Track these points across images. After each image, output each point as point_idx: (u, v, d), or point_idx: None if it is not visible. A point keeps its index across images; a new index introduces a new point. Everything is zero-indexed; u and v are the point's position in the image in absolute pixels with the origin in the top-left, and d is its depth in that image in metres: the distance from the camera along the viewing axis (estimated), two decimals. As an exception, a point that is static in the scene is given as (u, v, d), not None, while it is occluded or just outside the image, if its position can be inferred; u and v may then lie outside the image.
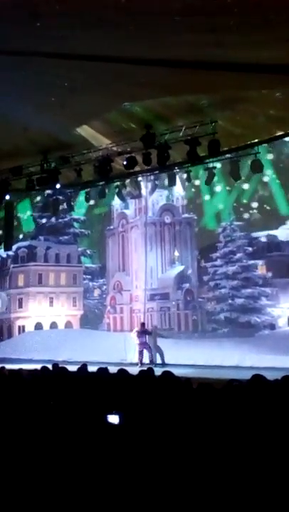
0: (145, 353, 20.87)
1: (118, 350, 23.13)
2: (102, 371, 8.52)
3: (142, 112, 12.84)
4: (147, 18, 7.89)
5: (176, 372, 7.41)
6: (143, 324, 23.49)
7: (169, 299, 43.44)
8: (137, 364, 19.69)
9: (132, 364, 19.58)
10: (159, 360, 20.52)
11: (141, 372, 8.42)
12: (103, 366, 8.96)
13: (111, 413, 5.26)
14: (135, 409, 5.60)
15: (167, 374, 7.06)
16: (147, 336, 21.36)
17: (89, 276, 56.82)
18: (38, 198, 52.97)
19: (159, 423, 4.93)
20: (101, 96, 11.44)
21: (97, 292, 58.06)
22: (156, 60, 9.37)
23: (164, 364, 19.74)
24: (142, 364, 19.77)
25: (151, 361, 20.41)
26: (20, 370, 9.61)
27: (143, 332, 21.48)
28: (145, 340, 21.06)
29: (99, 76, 10.25)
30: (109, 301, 47.18)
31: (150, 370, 8.62)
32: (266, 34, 8.20)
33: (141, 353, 20.79)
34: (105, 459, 4.24)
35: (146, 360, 20.70)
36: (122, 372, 8.04)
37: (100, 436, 4.59)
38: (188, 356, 21.44)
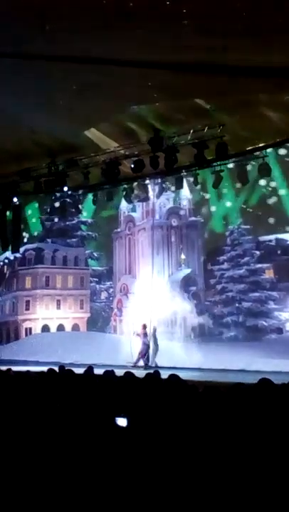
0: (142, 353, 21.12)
1: (124, 353, 23.14)
2: (109, 374, 8.51)
3: (150, 115, 12.85)
4: (156, 22, 7.91)
5: (183, 375, 7.39)
6: (144, 326, 23.40)
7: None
8: (143, 367, 19.67)
9: (138, 367, 19.56)
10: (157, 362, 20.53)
11: (147, 375, 8.41)
12: (109, 369, 8.96)
13: (119, 416, 5.26)
14: (141, 412, 5.59)
15: (174, 377, 7.04)
16: (147, 338, 21.61)
17: (96, 279, 56.91)
18: (46, 201, 53.16)
19: (165, 426, 4.92)
20: (109, 99, 11.46)
21: (104, 295, 58.12)
22: (164, 63, 9.39)
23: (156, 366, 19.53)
24: (145, 366, 19.91)
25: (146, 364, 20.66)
26: (28, 372, 9.62)
27: (144, 334, 21.66)
28: (146, 342, 21.28)
29: (107, 79, 10.28)
30: (116, 304, 47.21)
31: (156, 373, 8.60)
32: (275, 38, 8.20)
33: (142, 354, 21.01)
34: (112, 461, 4.24)
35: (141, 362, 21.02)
36: (129, 375, 8.03)
37: (106, 439, 4.59)
38: (194, 360, 21.41)
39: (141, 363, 20.94)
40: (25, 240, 50.54)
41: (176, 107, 12.38)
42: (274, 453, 4.13)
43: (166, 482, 3.90)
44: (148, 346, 21.39)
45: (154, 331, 24.27)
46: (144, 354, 21.27)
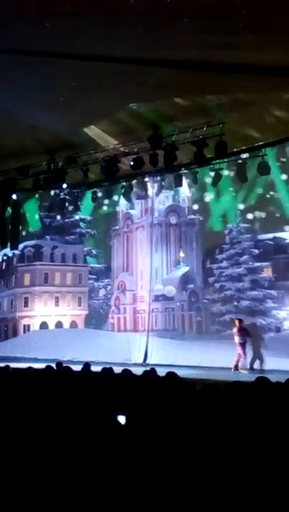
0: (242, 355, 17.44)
1: (122, 351, 23.15)
2: (107, 371, 8.53)
3: (150, 112, 12.83)
4: (156, 19, 7.89)
5: (180, 373, 7.40)
6: (241, 321, 19.24)
7: (174, 300, 43.44)
8: (141, 365, 19.42)
9: (136, 364, 19.57)
10: (257, 366, 17.09)
11: (145, 372, 8.43)
12: (107, 366, 8.97)
13: (118, 413, 5.27)
14: (139, 410, 5.60)
15: (171, 375, 7.06)
16: (247, 337, 17.82)
17: (94, 276, 56.92)
18: (45, 198, 53.10)
19: (163, 424, 4.92)
20: (109, 96, 11.45)
21: (102, 292, 58.15)
22: (164, 60, 9.38)
23: (262, 370, 16.21)
24: (235, 368, 17.06)
25: (251, 367, 17.07)
26: (29, 368, 9.60)
27: (243, 331, 17.96)
28: (244, 342, 17.56)
29: (107, 76, 10.26)
30: (114, 301, 47.28)
31: (153, 371, 8.61)
32: (275, 36, 8.19)
33: (238, 354, 17.46)
34: (109, 458, 4.25)
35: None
36: (126, 373, 8.05)
37: (104, 437, 4.60)
38: (192, 357, 21.42)
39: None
40: (25, 237, 50.53)
41: (175, 104, 12.36)
42: (271, 451, 4.14)
43: (164, 479, 3.91)
44: (245, 348, 17.59)
45: (254, 328, 20.84)
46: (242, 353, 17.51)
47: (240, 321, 19.03)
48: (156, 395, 6.28)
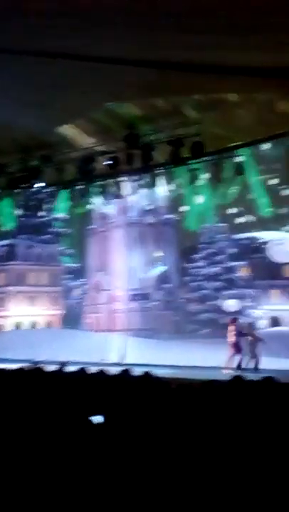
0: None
1: (99, 350, 23.07)
2: (81, 371, 8.48)
3: (126, 112, 12.82)
4: (133, 19, 7.87)
5: (157, 372, 7.40)
6: (234, 320, 18.89)
7: (151, 300, 43.49)
8: (118, 364, 19.35)
9: (112, 364, 19.50)
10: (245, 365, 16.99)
11: (120, 372, 8.40)
12: (83, 366, 8.92)
13: (93, 413, 5.23)
14: (114, 410, 5.57)
15: (146, 375, 7.05)
16: (242, 338, 17.55)
17: (70, 276, 56.58)
18: (20, 197, 52.49)
19: (137, 423, 4.91)
20: (85, 95, 11.39)
21: (77, 292, 57.81)
22: (141, 60, 9.36)
23: (256, 369, 16.43)
24: (238, 368, 16.61)
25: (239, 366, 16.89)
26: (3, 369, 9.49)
27: (239, 332, 17.72)
28: (238, 342, 17.31)
29: (84, 75, 10.21)
30: (90, 301, 47.07)
31: (130, 371, 8.59)
32: (253, 38, 8.24)
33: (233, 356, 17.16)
34: (83, 459, 4.22)
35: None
36: (102, 373, 8.02)
37: (78, 437, 4.56)
38: (169, 357, 21.47)
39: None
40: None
41: (152, 104, 12.38)
42: (246, 448, 4.16)
43: (139, 479, 3.89)
44: (241, 348, 17.39)
45: (250, 328, 20.44)
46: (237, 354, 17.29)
47: (236, 320, 18.80)
48: (132, 395, 6.27)
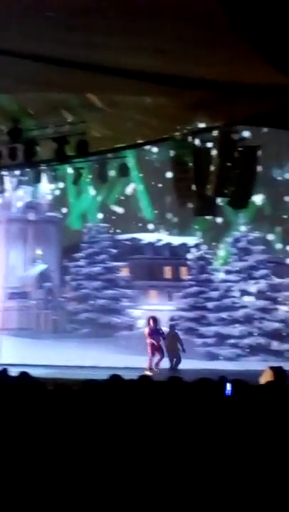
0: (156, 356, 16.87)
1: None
2: None
3: (10, 105, 12.46)
4: (19, 11, 7.68)
5: (34, 372, 7.26)
6: (155, 320, 18.15)
7: (30, 298, 42.69)
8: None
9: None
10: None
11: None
12: None
13: None
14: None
15: (23, 375, 6.90)
16: (161, 338, 17.20)
17: None
18: None
19: (11, 426, 4.79)
20: None
21: None
22: (25, 53, 9.16)
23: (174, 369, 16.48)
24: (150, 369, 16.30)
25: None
26: None
27: (156, 331, 17.31)
28: (157, 342, 16.95)
29: None
30: None
31: (5, 371, 8.36)
32: (142, 41, 8.36)
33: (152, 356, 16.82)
34: None
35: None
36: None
37: None
38: (47, 356, 21.23)
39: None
40: None
41: (36, 99, 12.16)
42: (135, 448, 4.21)
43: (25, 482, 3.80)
44: (162, 349, 17.05)
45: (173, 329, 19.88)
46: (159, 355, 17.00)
47: (155, 320, 18.17)
48: (7, 396, 6.10)
